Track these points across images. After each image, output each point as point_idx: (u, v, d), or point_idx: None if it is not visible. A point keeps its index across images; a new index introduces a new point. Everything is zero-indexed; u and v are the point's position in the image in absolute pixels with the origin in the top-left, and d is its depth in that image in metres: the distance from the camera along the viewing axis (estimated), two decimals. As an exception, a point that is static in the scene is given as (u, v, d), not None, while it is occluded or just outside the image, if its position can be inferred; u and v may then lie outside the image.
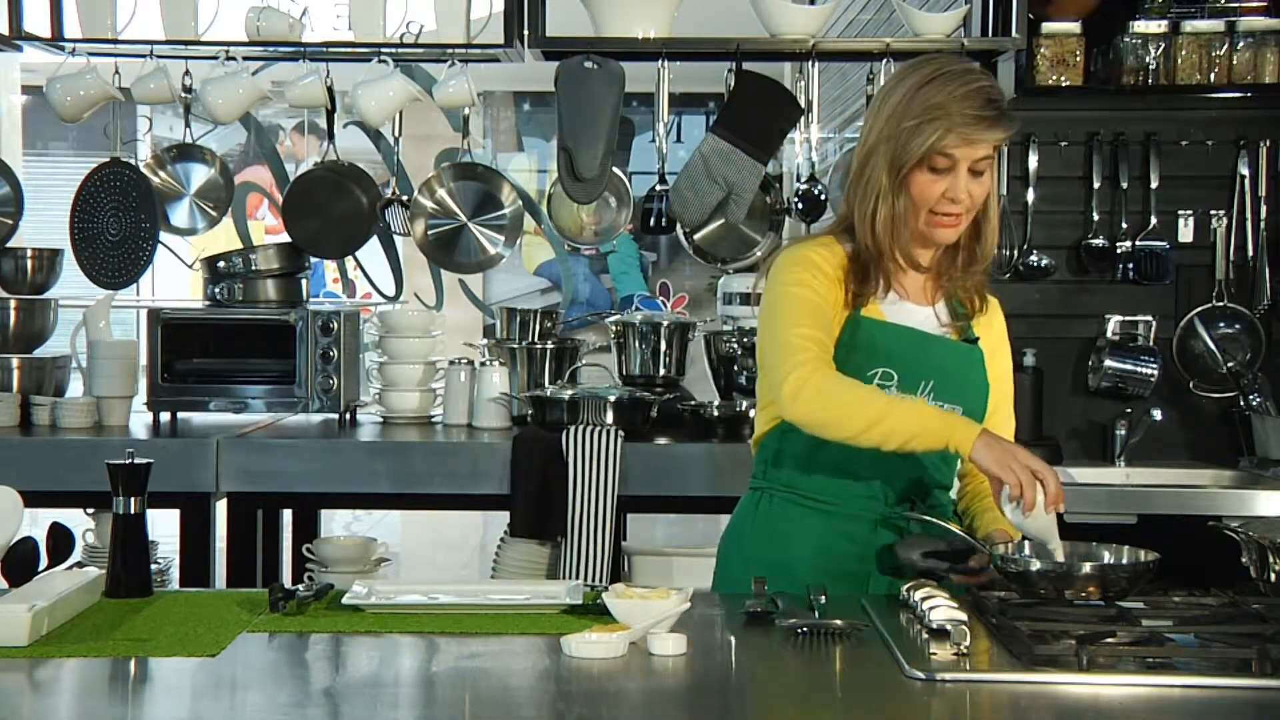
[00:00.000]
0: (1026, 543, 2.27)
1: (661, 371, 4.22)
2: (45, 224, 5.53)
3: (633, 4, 4.15)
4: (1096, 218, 4.13)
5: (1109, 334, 4.13)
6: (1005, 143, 2.40)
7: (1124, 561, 2.22)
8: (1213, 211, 4.14)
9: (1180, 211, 4.15)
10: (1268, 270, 4.10)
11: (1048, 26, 4.09)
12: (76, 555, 2.44)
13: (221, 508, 3.80)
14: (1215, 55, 4.07)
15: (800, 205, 4.34)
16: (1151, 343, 4.12)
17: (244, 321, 4.18)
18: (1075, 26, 4.10)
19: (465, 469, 3.74)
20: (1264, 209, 4.11)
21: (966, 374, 2.45)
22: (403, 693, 1.89)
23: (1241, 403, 4.02)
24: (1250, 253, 4.12)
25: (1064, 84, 4.10)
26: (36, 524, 2.42)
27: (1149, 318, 4.13)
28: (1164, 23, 4.08)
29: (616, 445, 3.64)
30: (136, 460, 2.30)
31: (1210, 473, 3.93)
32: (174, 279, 9.13)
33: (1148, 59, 4.07)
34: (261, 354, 4.15)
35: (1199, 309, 4.14)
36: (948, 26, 4.13)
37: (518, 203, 4.45)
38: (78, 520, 3.47)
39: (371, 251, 4.59)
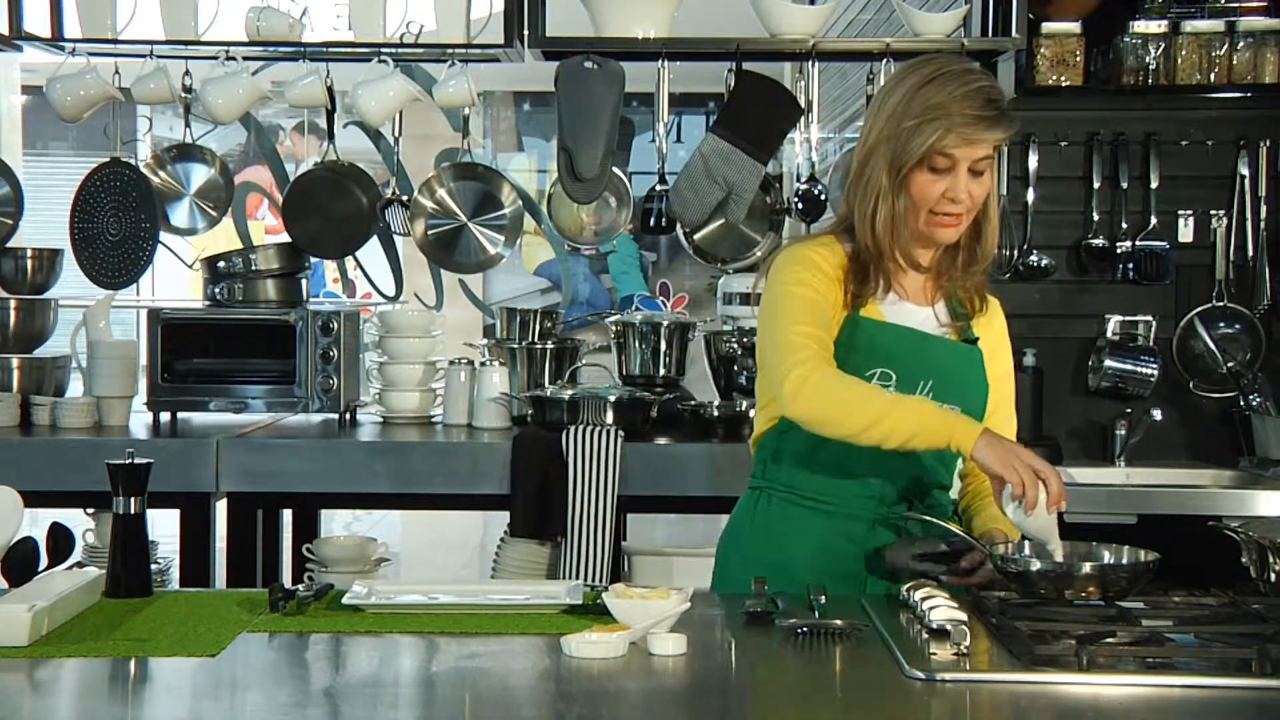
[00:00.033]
0: (1026, 543, 2.27)
1: (661, 371, 4.22)
2: (45, 224, 5.53)
3: (633, 4, 4.15)
4: (1096, 218, 4.13)
5: (1109, 334, 4.13)
6: (1005, 143, 2.40)
7: (1124, 561, 2.22)
8: (1213, 211, 4.14)
9: (1180, 211, 4.15)
10: (1268, 270, 4.10)
11: (1048, 26, 4.09)
12: (76, 555, 2.44)
13: (221, 508, 3.80)
14: (1215, 55, 4.07)
15: (800, 205, 4.34)
16: (1151, 343, 4.12)
17: (244, 321, 4.18)
18: (1075, 26, 4.10)
19: (465, 469, 3.74)
20: (1264, 209, 4.11)
21: (965, 374, 2.44)
22: (403, 693, 1.89)
23: (1241, 403, 4.02)
24: (1250, 253, 4.12)
25: (1064, 84, 4.10)
26: (36, 524, 2.42)
27: (1149, 318, 4.13)
28: (1164, 23, 4.08)
29: (616, 445, 3.64)
30: (136, 460, 2.30)
31: (1210, 473, 3.93)
32: (174, 279, 9.13)
33: (1148, 59, 4.07)
34: (261, 354, 4.15)
35: (1199, 309, 4.14)
36: (948, 26, 4.13)
37: (518, 203, 4.45)
38: (78, 520, 3.47)
39: (371, 251, 4.59)
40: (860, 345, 2.37)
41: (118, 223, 4.27)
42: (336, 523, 7.63)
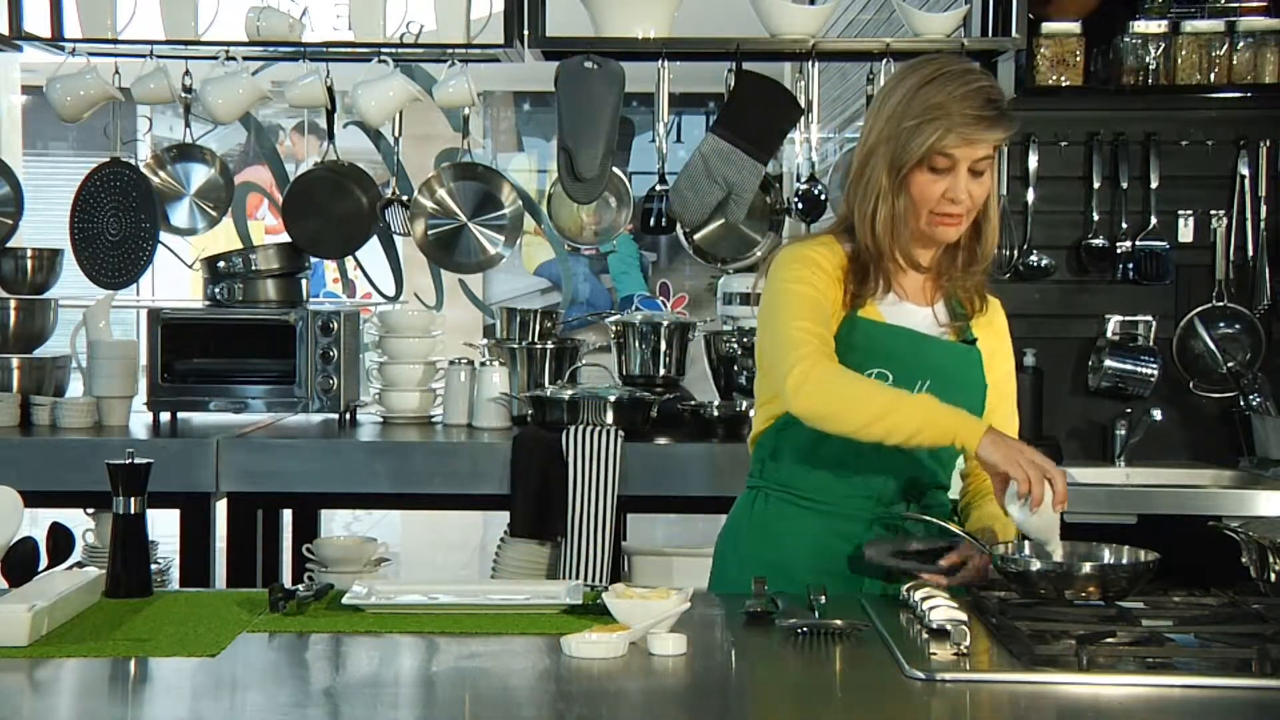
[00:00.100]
0: (1026, 543, 2.27)
1: (661, 371, 4.22)
2: (45, 224, 5.53)
3: (633, 4, 4.15)
4: (1096, 218, 4.13)
5: (1109, 334, 4.13)
6: (1005, 143, 2.40)
7: (1124, 561, 2.22)
8: (1213, 211, 4.14)
9: (1180, 211, 4.15)
10: (1268, 270, 4.11)
11: (1048, 26, 4.09)
12: (76, 555, 2.44)
13: (221, 508, 3.80)
14: (1215, 55, 4.07)
15: (800, 205, 4.34)
16: (1151, 343, 4.12)
17: (244, 321, 4.18)
18: (1075, 26, 4.10)
19: (465, 469, 3.74)
20: (1264, 209, 4.11)
21: (963, 374, 2.44)
22: (403, 693, 1.89)
23: (1241, 403, 4.02)
24: (1250, 253, 4.12)
25: (1064, 84, 4.10)
26: (36, 524, 2.42)
27: (1149, 318, 4.13)
28: (1164, 23, 4.08)
29: (616, 445, 3.64)
30: (136, 460, 2.29)
31: (1210, 473, 3.93)
32: (174, 279, 9.13)
33: (1148, 59, 4.07)
34: (261, 354, 4.15)
35: (1199, 309, 4.15)
36: (948, 26, 4.13)
37: (518, 203, 4.45)
38: (78, 520, 3.47)
39: (371, 251, 4.59)
40: (858, 345, 2.37)
41: (118, 223, 4.27)
42: (336, 523, 7.63)
